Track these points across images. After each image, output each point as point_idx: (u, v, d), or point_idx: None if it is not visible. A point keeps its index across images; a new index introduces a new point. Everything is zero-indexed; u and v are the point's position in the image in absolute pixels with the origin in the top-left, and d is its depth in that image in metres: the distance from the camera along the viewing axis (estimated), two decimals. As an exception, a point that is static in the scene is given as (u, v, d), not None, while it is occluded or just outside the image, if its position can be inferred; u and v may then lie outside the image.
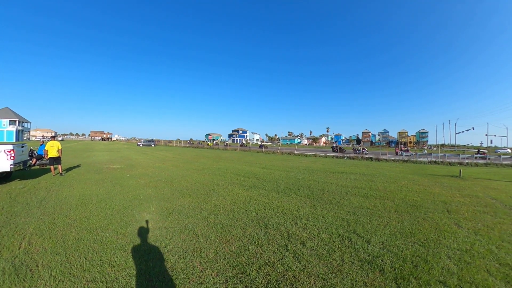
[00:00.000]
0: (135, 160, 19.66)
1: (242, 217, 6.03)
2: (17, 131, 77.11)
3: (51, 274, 3.60)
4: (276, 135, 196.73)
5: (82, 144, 59.32)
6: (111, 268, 3.75)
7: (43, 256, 4.14)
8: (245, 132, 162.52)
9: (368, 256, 4.21)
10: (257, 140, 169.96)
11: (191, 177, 11.72)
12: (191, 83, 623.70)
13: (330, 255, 4.20)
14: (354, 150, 38.93)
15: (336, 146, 42.53)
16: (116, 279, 3.47)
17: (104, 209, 6.58)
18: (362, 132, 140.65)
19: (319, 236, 4.95)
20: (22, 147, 10.61)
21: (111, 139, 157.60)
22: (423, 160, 26.16)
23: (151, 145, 60.97)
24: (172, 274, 3.58)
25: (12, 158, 9.21)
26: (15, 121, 77.91)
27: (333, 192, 8.99)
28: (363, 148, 39.83)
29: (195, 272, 3.63)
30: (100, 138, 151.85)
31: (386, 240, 4.88)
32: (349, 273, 3.69)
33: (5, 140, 71.66)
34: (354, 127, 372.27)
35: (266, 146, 53.36)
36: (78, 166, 15.28)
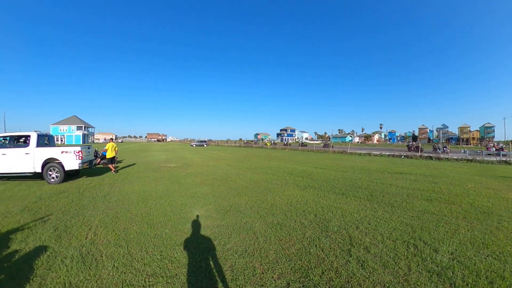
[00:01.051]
0: (190, 159, 20.71)
1: (301, 218, 5.87)
2: (83, 135, 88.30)
3: (114, 265, 3.82)
4: (325, 133, 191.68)
5: (140, 145, 64.63)
6: (171, 264, 3.83)
7: (107, 247, 4.43)
8: (293, 130, 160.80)
9: (437, 266, 3.79)
10: (306, 138, 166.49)
11: (244, 176, 11.90)
12: (240, 85, 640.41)
13: (395, 263, 3.86)
14: (435, 148, 33.88)
15: (412, 144, 37.57)
16: (176, 275, 3.53)
17: (164, 205, 6.95)
18: (419, 128, 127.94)
19: (383, 242, 4.59)
20: (89, 148, 12.27)
21: (165, 140, 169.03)
22: (491, 159, 22.56)
23: (203, 145, 64.11)
24: (232, 274, 3.53)
25: (80, 158, 10.72)
26: (82, 126, 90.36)
27: (394, 194, 8.36)
28: (444, 147, 34.08)
29: (256, 274, 3.55)
30: (155, 139, 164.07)
31: (456, 250, 4.32)
32: (417, 284, 3.35)
33: (73, 143, 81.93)
34: (409, 122, 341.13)
35: (332, 145, 50.42)
36: (138, 164, 16.58)
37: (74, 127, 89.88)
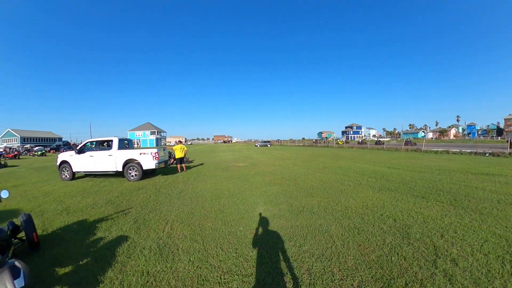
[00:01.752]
0: (256, 159, 20.97)
1: (379, 222, 5.36)
2: (157, 139, 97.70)
3: (189, 259, 3.92)
4: (395, 129, 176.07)
5: (207, 147, 68.39)
6: (247, 262, 3.78)
7: (183, 241, 4.61)
8: (359, 127, 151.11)
9: (541, 292, 3.08)
10: (373, 135, 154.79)
11: (313, 176, 11.50)
12: (301, 83, 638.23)
13: (489, 281, 3.25)
14: None
15: None
16: (252, 274, 3.46)
17: (236, 203, 7.09)
18: (505, 119, 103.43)
19: (472, 255, 3.91)
20: (164, 150, 13.55)
21: (231, 141, 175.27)
22: None
23: (267, 145, 65.03)
24: (310, 278, 3.33)
25: (156, 158, 11.85)
26: (155, 131, 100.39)
27: (481, 199, 7.08)
28: None
29: (334, 279, 3.30)
30: (222, 141, 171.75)
31: None
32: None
33: (148, 146, 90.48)
34: (491, 112, 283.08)
35: (415, 143, 43.79)
36: (208, 164, 17.42)
37: (148, 132, 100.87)
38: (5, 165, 22.19)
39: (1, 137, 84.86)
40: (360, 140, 66.07)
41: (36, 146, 59.12)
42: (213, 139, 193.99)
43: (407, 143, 42.53)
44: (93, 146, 13.49)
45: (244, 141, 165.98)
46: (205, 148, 58.55)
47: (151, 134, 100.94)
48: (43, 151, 44.77)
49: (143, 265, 3.83)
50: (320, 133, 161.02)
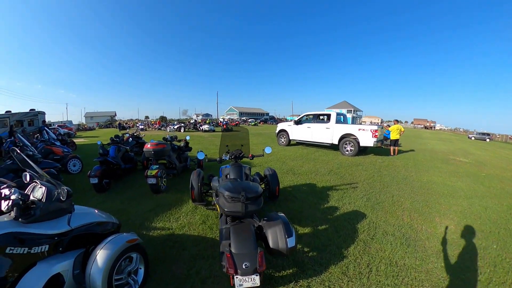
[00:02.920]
0: (479, 156, 16.33)
1: None
2: (353, 118, 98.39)
3: (442, 265, 3.45)
4: None
5: (408, 131, 61.05)
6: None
7: (429, 239, 4.16)
8: None
9: None
10: None
11: None
12: None
13: None
14: None
15: None
16: None
17: (478, 210, 5.61)
18: None
19: None
20: (381, 128, 12.89)
21: (434, 128, 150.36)
22: None
23: (485, 139, 51.34)
24: None
25: (375, 136, 11.32)
26: (351, 110, 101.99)
27: None
28: None
29: None
30: (422, 126, 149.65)
31: None
32: None
33: None
34: None
35: None
36: (420, 152, 15.00)
37: (344, 110, 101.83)
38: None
39: (226, 112, 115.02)
40: None
41: (250, 118, 77.81)
42: (412, 122, 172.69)
43: None
44: (310, 118, 14.47)
45: (450, 129, 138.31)
46: (406, 132, 52.64)
47: (347, 112, 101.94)
48: (255, 123, 61.00)
49: (389, 253, 3.67)
50: None
